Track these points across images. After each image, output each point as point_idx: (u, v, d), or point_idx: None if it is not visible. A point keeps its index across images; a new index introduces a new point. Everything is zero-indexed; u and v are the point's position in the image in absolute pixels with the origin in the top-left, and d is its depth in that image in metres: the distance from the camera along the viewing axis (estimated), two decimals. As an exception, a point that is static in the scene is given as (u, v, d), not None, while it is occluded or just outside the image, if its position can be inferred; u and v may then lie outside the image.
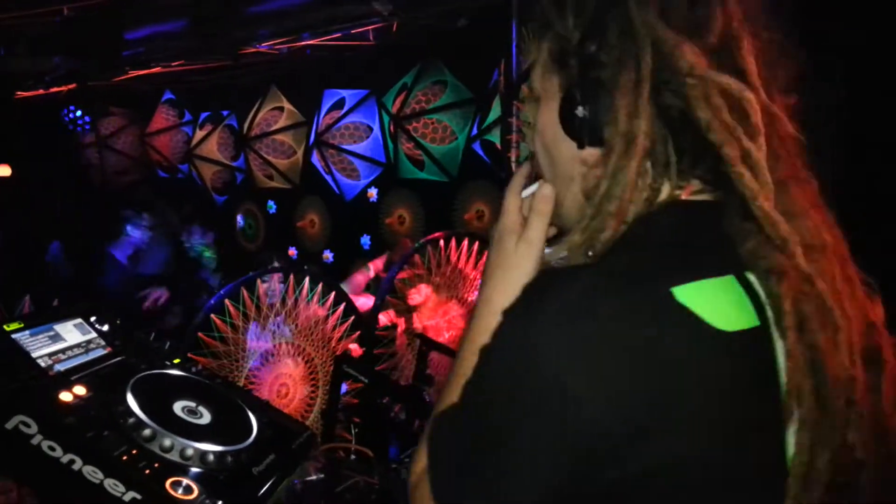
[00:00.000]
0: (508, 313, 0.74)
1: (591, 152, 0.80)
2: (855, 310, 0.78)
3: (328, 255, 6.48)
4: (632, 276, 0.70)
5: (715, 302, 0.71)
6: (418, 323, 2.91)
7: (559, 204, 0.88)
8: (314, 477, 1.71)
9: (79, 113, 6.20)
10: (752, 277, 0.76)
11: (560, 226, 0.91)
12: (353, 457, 1.93)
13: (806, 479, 0.72)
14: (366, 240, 6.19)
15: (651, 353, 0.67)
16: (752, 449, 0.72)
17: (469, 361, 0.79)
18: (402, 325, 2.89)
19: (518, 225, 0.91)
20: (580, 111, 0.79)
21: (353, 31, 4.40)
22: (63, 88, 6.46)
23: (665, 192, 0.79)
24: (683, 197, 0.79)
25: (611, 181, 0.76)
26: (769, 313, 0.74)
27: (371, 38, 4.61)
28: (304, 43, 4.66)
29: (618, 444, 0.66)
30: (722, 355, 0.70)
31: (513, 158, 3.32)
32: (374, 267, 3.77)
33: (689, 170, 0.79)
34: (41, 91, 6.51)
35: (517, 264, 0.89)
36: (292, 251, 6.65)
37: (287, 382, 2.42)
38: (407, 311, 2.94)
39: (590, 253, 0.76)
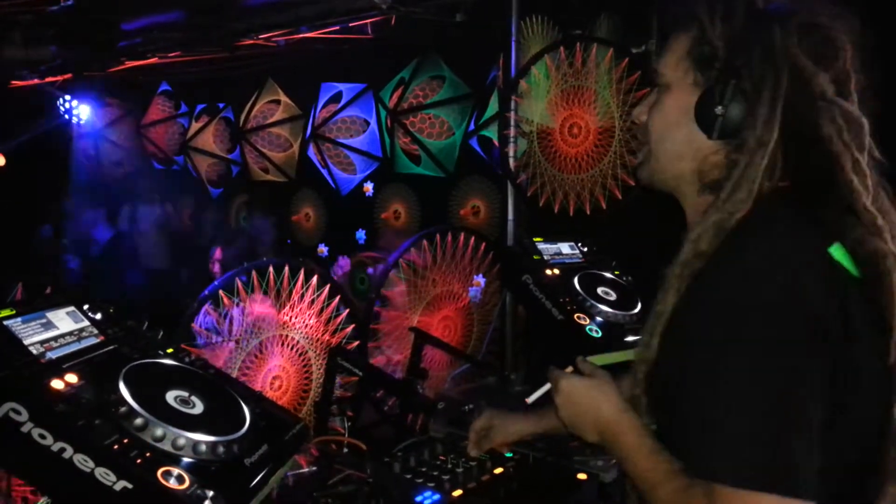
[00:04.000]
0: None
1: (711, 143, 1.02)
2: None
3: (323, 249, 6.46)
4: (803, 239, 0.94)
5: (844, 258, 0.95)
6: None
7: (660, 170, 1.12)
8: (306, 470, 1.70)
9: (74, 103, 6.16)
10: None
11: (656, 187, 1.15)
12: (345, 450, 1.92)
13: None
14: (361, 234, 6.18)
15: (837, 288, 0.91)
16: (875, 362, 0.94)
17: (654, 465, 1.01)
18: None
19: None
20: (718, 110, 0.98)
21: (351, 25, 4.38)
22: (58, 78, 6.43)
23: (766, 187, 0.96)
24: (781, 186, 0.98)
25: (742, 173, 0.96)
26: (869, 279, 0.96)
27: (369, 31, 4.59)
28: (301, 35, 4.64)
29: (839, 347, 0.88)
30: (859, 294, 0.93)
31: (510, 154, 3.32)
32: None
33: (787, 172, 0.97)
34: (36, 80, 6.47)
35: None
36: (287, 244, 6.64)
37: (280, 375, 2.41)
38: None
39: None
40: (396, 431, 2.00)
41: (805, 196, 0.98)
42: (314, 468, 1.72)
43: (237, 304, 2.26)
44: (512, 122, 3.30)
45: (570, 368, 1.16)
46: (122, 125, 7.63)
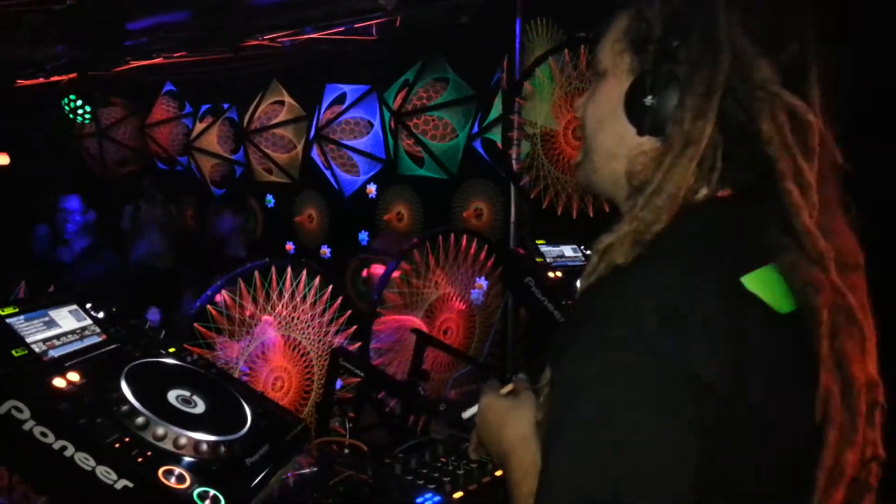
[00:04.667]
0: (590, 333, 0.77)
1: (644, 140, 0.85)
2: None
3: (325, 251, 6.46)
4: (706, 270, 0.78)
5: (768, 287, 0.80)
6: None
7: (594, 171, 0.95)
8: (307, 470, 1.70)
9: (79, 102, 6.16)
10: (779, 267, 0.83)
11: (592, 191, 1.01)
12: (346, 451, 1.92)
13: (832, 473, 0.79)
14: (364, 236, 6.18)
15: (735, 332, 0.74)
16: (794, 414, 0.79)
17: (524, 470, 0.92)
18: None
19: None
20: (648, 100, 0.83)
21: (356, 26, 4.38)
22: (63, 77, 6.44)
23: (702, 195, 0.84)
24: (719, 195, 0.84)
25: (664, 176, 0.81)
26: (803, 312, 0.81)
27: (374, 32, 4.60)
28: (306, 36, 4.65)
29: (721, 400, 0.72)
30: (781, 332, 0.79)
31: (513, 156, 3.31)
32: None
33: (726, 178, 0.83)
34: (41, 80, 6.48)
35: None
36: (290, 246, 6.64)
37: (282, 375, 2.41)
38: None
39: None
40: (398, 433, 2.00)
41: (740, 208, 0.84)
42: (315, 468, 1.72)
43: (238, 305, 2.26)
44: (515, 125, 3.29)
45: (510, 386, 1.10)
46: (127, 125, 7.64)
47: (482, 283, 3.65)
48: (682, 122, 0.79)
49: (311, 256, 6.40)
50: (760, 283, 0.79)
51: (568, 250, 2.71)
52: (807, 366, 0.79)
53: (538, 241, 2.64)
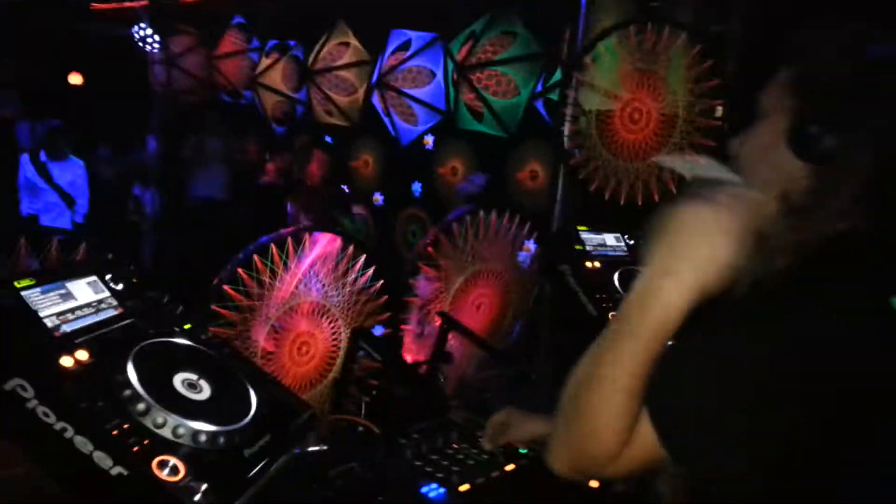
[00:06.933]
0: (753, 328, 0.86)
1: (799, 168, 0.93)
2: None
3: (378, 198, 6.47)
4: (857, 292, 0.86)
5: None
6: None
7: None
8: (314, 448, 1.70)
9: (149, 31, 6.24)
10: None
11: None
12: (360, 429, 1.93)
13: None
14: (417, 187, 6.16)
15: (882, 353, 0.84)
16: None
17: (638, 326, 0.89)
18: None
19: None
20: (813, 129, 0.91)
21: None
22: (136, 4, 6.50)
23: (850, 223, 0.90)
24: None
25: (819, 200, 0.91)
26: None
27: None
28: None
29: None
30: None
31: (565, 133, 3.19)
32: None
33: (880, 211, 0.91)
34: (115, 4, 6.56)
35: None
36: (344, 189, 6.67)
37: (309, 340, 2.43)
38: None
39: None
40: (412, 417, 2.00)
41: (881, 243, 0.92)
42: (323, 447, 1.72)
43: (269, 270, 2.27)
44: (571, 100, 3.16)
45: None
46: (195, 55, 7.69)
47: (530, 245, 3.59)
48: (846, 152, 0.89)
49: (364, 202, 6.44)
50: None
51: (610, 239, 2.61)
52: None
53: (579, 228, 2.55)
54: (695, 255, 0.87)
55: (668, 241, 0.89)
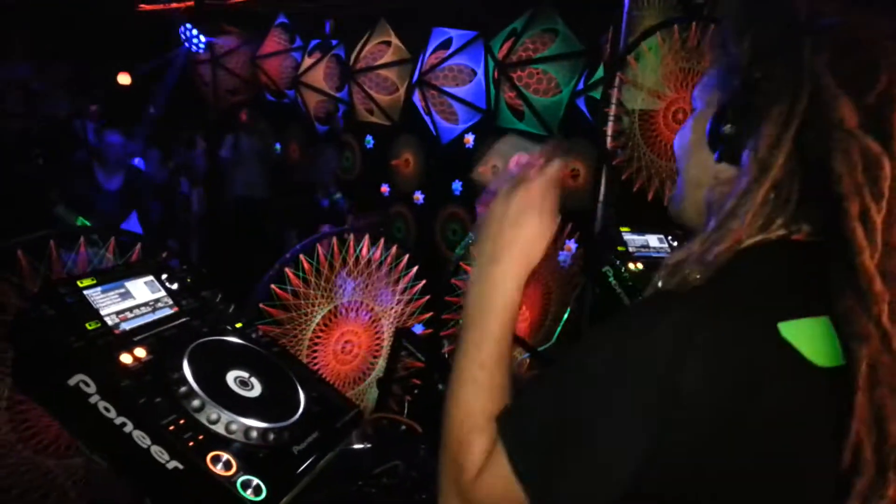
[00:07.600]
0: (619, 328, 0.84)
1: (724, 168, 0.89)
2: None
3: (419, 196, 6.50)
4: (749, 313, 0.80)
5: (809, 338, 0.80)
6: None
7: (682, 199, 0.99)
8: (359, 446, 1.74)
9: (195, 32, 6.36)
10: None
11: (679, 221, 1.02)
12: (402, 427, 1.96)
13: None
14: (457, 185, 6.17)
15: (746, 377, 0.77)
16: (809, 479, 0.81)
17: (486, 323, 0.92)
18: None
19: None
20: (727, 128, 0.87)
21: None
22: (182, 5, 6.64)
23: (777, 227, 0.84)
24: (794, 238, 0.85)
25: (737, 201, 0.83)
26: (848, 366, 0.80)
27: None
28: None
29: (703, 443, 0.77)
30: (812, 382, 0.80)
31: (608, 133, 3.17)
32: None
33: (805, 213, 0.84)
34: (161, 6, 6.71)
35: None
36: (385, 188, 6.72)
37: (352, 339, 2.46)
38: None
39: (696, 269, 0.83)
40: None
41: (811, 253, 0.83)
42: (367, 445, 1.76)
43: (315, 271, 2.31)
44: (614, 100, 3.14)
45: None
46: (239, 54, 7.82)
47: (571, 245, 3.58)
48: (757, 150, 0.82)
49: (404, 201, 6.48)
50: (800, 332, 0.80)
51: (653, 240, 2.59)
52: (841, 420, 0.79)
53: (622, 229, 2.54)
54: (514, 238, 0.95)
55: (489, 233, 0.97)
